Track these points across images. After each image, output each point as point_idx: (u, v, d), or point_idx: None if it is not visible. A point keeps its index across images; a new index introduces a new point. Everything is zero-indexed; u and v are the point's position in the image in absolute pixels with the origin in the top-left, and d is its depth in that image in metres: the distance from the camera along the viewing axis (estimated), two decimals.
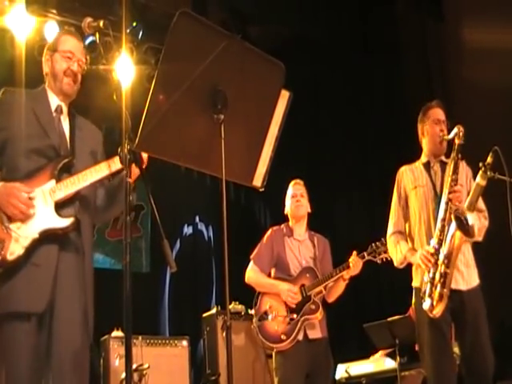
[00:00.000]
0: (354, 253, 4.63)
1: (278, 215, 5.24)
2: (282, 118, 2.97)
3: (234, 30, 7.09)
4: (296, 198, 4.90)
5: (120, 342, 5.60)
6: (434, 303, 3.78)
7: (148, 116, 2.63)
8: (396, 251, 4.15)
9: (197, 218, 8.95)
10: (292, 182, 5.01)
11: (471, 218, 3.72)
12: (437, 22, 7.52)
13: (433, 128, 4.15)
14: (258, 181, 3.00)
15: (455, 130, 3.95)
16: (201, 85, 2.73)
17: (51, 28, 6.26)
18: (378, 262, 4.65)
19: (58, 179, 3.08)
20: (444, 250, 3.79)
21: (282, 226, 4.95)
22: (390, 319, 5.54)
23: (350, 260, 4.59)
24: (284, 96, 2.95)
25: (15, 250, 2.90)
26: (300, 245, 4.86)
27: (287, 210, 4.95)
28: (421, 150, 4.29)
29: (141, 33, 7.21)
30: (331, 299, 4.84)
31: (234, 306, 6.11)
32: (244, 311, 6.09)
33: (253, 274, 4.82)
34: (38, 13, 6.16)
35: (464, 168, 4.11)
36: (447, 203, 3.85)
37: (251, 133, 2.93)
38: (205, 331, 6.16)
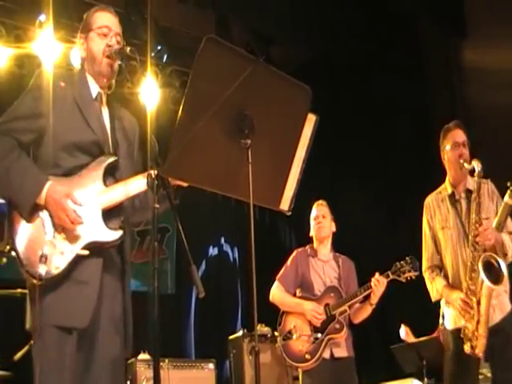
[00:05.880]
0: (377, 274, 4.62)
1: (303, 236, 5.24)
2: (308, 142, 2.96)
3: (257, 51, 7.14)
4: (318, 220, 4.93)
5: (146, 365, 5.59)
6: (474, 344, 3.76)
7: (175, 142, 2.63)
8: (432, 288, 4.12)
9: (222, 239, 8.96)
10: (315, 204, 5.04)
11: (503, 264, 3.64)
12: (461, 42, 7.49)
13: (453, 154, 4.08)
14: (285, 204, 2.98)
15: (473, 164, 3.89)
16: (227, 110, 2.73)
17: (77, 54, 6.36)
18: (403, 280, 4.62)
19: (105, 184, 2.88)
20: (476, 298, 3.78)
21: (307, 247, 4.99)
22: (416, 340, 5.47)
23: (373, 280, 4.58)
24: (311, 119, 2.94)
25: (60, 265, 2.72)
26: (324, 265, 4.88)
27: (311, 231, 4.99)
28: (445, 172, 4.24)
29: (165, 56, 7.30)
30: (357, 321, 4.84)
31: (260, 329, 6.05)
32: (270, 333, 6.05)
33: (277, 293, 4.85)
34: (64, 39, 6.26)
35: (488, 188, 4.06)
36: (474, 246, 3.81)
37: (278, 157, 2.92)
38: (231, 354, 6.13)
